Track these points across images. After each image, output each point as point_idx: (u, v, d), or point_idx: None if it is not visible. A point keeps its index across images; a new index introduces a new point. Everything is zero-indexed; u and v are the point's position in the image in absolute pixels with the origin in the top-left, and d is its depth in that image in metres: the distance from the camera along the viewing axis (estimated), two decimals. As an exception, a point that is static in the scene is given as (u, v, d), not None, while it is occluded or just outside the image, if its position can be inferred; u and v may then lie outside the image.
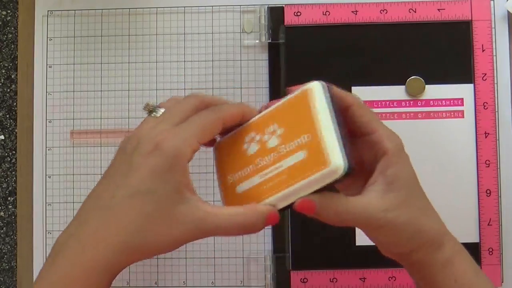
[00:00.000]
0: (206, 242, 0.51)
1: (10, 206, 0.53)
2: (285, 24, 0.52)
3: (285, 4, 0.52)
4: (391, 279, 0.50)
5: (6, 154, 0.53)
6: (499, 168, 0.51)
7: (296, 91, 0.35)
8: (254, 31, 0.52)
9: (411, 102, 0.51)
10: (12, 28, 0.54)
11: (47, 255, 0.51)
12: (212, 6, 0.52)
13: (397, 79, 0.51)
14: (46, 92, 0.52)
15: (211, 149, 0.38)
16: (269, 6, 0.52)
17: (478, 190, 0.50)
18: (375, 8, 0.51)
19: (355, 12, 0.51)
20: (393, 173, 0.35)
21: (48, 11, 0.53)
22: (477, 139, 0.50)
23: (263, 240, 0.51)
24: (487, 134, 0.50)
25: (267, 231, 0.51)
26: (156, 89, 0.52)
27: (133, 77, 0.52)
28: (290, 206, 0.34)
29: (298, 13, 0.52)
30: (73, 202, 0.52)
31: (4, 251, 0.52)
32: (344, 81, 0.51)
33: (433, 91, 0.51)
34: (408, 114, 0.51)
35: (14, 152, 0.53)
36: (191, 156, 0.33)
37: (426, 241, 0.35)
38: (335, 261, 0.50)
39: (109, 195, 0.33)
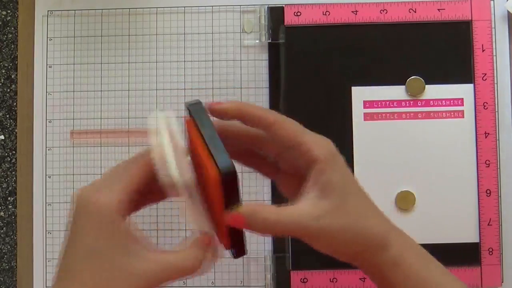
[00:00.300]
0: (206, 242, 0.51)
1: (10, 206, 0.53)
2: (285, 24, 0.52)
3: (285, 4, 0.52)
4: (391, 279, 0.50)
5: (6, 154, 0.53)
6: (499, 168, 0.51)
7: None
8: (254, 31, 0.52)
9: (411, 102, 0.51)
10: (12, 28, 0.54)
11: (47, 255, 0.51)
12: (212, 6, 0.52)
13: (397, 79, 0.51)
14: (46, 92, 0.52)
15: None
16: (269, 6, 0.52)
17: (478, 190, 0.50)
18: (375, 8, 0.51)
19: (355, 12, 0.51)
20: (325, 180, 0.34)
21: (48, 11, 0.53)
22: (477, 139, 0.50)
23: (263, 240, 0.51)
24: (487, 134, 0.50)
25: (267, 231, 0.51)
26: (156, 89, 0.52)
27: (133, 77, 0.52)
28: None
29: (298, 13, 0.52)
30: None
31: (4, 251, 0.52)
32: (344, 81, 0.51)
33: (433, 91, 0.51)
34: (408, 114, 0.51)
35: (14, 152, 0.53)
36: (123, 207, 0.32)
37: (369, 244, 0.34)
38: (335, 261, 0.50)
39: (68, 255, 0.33)
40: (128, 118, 0.52)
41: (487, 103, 0.51)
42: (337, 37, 0.52)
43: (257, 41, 0.52)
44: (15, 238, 0.52)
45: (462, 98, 0.51)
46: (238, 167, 0.33)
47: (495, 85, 0.51)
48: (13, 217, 0.52)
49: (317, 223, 0.33)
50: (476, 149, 0.50)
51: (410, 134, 0.51)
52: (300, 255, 0.50)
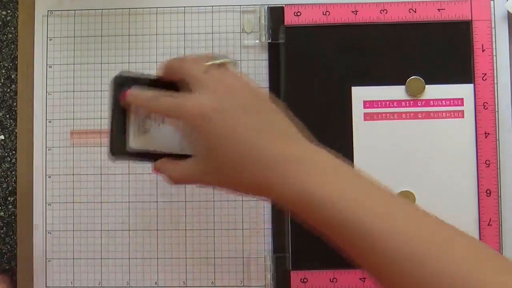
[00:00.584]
0: (206, 242, 0.51)
1: (10, 206, 0.52)
2: (285, 24, 0.52)
3: (285, 4, 0.52)
4: (391, 279, 0.50)
5: (6, 154, 0.53)
6: (499, 168, 0.51)
7: None
8: (254, 31, 0.52)
9: (411, 102, 0.51)
10: (12, 28, 0.54)
11: (47, 255, 0.52)
12: (212, 6, 0.52)
13: (397, 79, 0.51)
14: (46, 92, 0.52)
15: None
16: (269, 6, 0.52)
17: (478, 190, 0.50)
18: (375, 8, 0.51)
19: (355, 12, 0.51)
20: (194, 143, 0.38)
21: (48, 11, 0.53)
22: (477, 139, 0.50)
23: (263, 240, 0.51)
24: (487, 134, 0.50)
25: (267, 231, 0.51)
26: (156, 89, 0.52)
27: (133, 77, 0.52)
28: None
29: (298, 13, 0.52)
30: (73, 202, 0.52)
31: (4, 251, 0.52)
32: (344, 81, 0.51)
33: (433, 91, 0.51)
34: (408, 114, 0.51)
35: (14, 152, 0.53)
36: None
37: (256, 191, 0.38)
38: (335, 261, 0.50)
39: None
40: (128, 118, 0.52)
41: (487, 103, 0.51)
42: (337, 37, 0.52)
43: (257, 41, 0.52)
44: (15, 238, 0.52)
45: (462, 98, 0.51)
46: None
47: (495, 85, 0.51)
48: (13, 217, 0.52)
49: (204, 178, 0.38)
50: (476, 149, 0.50)
51: (410, 134, 0.51)
52: (300, 255, 0.50)
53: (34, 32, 0.53)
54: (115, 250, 0.52)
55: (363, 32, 0.51)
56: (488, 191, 0.50)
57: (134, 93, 0.40)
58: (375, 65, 0.51)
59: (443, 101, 0.51)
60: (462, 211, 0.50)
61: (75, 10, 0.53)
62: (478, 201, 0.50)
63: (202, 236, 0.51)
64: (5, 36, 0.54)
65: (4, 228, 0.52)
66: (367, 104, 0.51)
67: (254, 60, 0.52)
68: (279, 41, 0.52)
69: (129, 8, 0.53)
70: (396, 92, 0.51)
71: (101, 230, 0.52)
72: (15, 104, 0.53)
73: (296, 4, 0.52)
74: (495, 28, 0.51)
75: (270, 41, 0.52)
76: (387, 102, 0.51)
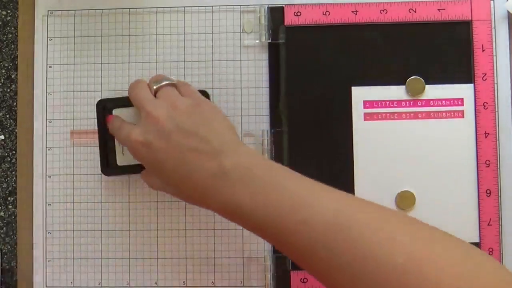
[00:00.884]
0: (206, 242, 0.51)
1: (10, 206, 0.52)
2: (285, 24, 0.52)
3: (285, 4, 0.52)
4: (391, 279, 0.50)
5: (6, 154, 0.53)
6: (499, 168, 0.51)
7: None
8: (254, 31, 0.52)
9: (411, 102, 0.51)
10: (12, 28, 0.53)
11: (47, 255, 0.52)
12: (212, 6, 0.52)
13: (397, 79, 0.51)
14: (46, 92, 0.52)
15: None
16: (269, 6, 0.52)
17: (478, 190, 0.50)
18: (375, 8, 0.51)
19: (355, 12, 0.51)
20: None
21: (48, 11, 0.53)
22: (477, 139, 0.50)
23: (263, 240, 0.51)
24: (487, 134, 0.50)
25: (267, 231, 0.51)
26: (156, 89, 0.52)
27: (133, 77, 0.52)
28: None
29: (298, 13, 0.52)
30: (73, 202, 0.52)
31: (4, 251, 0.52)
32: (344, 81, 0.51)
33: (433, 91, 0.51)
34: (408, 114, 0.51)
35: (14, 152, 0.53)
36: None
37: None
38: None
39: None
40: (128, 118, 0.52)
41: (487, 103, 0.51)
42: (337, 37, 0.52)
43: (257, 41, 0.52)
44: (15, 238, 0.52)
45: (462, 98, 0.51)
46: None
47: (495, 85, 0.51)
48: (13, 217, 0.52)
49: (166, 190, 0.44)
50: (476, 149, 0.50)
51: (410, 134, 0.51)
52: (300, 255, 0.50)
53: (34, 32, 0.53)
54: (115, 250, 0.52)
55: (363, 32, 0.51)
56: (488, 191, 0.50)
57: (110, 121, 0.47)
58: (375, 65, 0.51)
59: (443, 101, 0.51)
60: (462, 211, 0.50)
61: (75, 10, 0.53)
62: (478, 201, 0.50)
63: (202, 236, 0.51)
64: (5, 36, 0.53)
65: (4, 228, 0.52)
66: (367, 104, 0.51)
67: (254, 60, 0.52)
68: (279, 41, 0.52)
69: (129, 8, 0.53)
70: (396, 92, 0.51)
71: (101, 230, 0.52)
72: (15, 104, 0.53)
73: (296, 4, 0.52)
74: (495, 28, 0.51)
75: (270, 41, 0.52)
76: (387, 102, 0.51)
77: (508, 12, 0.51)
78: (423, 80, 0.51)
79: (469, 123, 0.51)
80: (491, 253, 0.50)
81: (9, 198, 0.53)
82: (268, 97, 0.52)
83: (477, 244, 0.50)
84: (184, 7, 0.53)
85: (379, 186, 0.50)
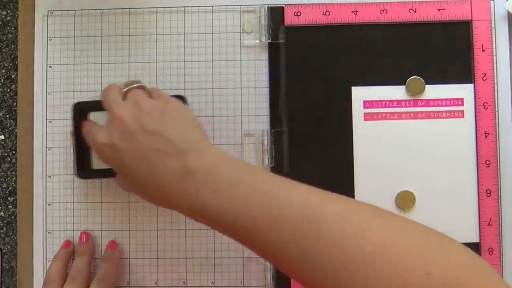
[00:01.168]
0: (206, 242, 0.51)
1: (10, 206, 0.52)
2: (285, 24, 0.52)
3: (285, 4, 0.52)
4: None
5: (6, 154, 0.53)
6: (499, 168, 0.51)
7: None
8: (254, 31, 0.52)
9: (411, 102, 0.51)
10: (12, 28, 0.53)
11: (47, 255, 0.51)
12: (212, 6, 0.52)
13: (397, 79, 0.51)
14: (46, 92, 0.52)
15: None
16: (269, 6, 0.52)
17: (478, 190, 0.50)
18: (375, 8, 0.51)
19: (355, 12, 0.51)
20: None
21: (48, 11, 0.53)
22: (477, 139, 0.50)
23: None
24: (487, 134, 0.50)
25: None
26: (156, 89, 0.52)
27: (133, 77, 0.52)
28: None
29: (298, 13, 0.52)
30: (73, 202, 0.52)
31: (4, 251, 0.52)
32: (344, 81, 0.51)
33: (433, 91, 0.51)
34: (408, 114, 0.51)
35: (14, 152, 0.53)
36: None
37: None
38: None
39: None
40: (128, 118, 0.52)
41: (487, 103, 0.51)
42: (337, 37, 0.52)
43: (257, 41, 0.52)
44: (15, 238, 0.52)
45: (462, 98, 0.51)
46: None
47: (495, 85, 0.51)
48: (13, 217, 0.52)
49: (134, 192, 0.44)
50: (476, 149, 0.50)
51: (410, 134, 0.51)
52: (300, 255, 0.50)
53: (34, 32, 0.53)
54: (115, 250, 0.52)
55: (363, 32, 0.51)
56: (488, 191, 0.50)
57: (83, 125, 0.47)
58: (375, 65, 0.51)
59: (443, 101, 0.51)
60: (462, 211, 0.50)
61: (75, 10, 0.53)
62: (478, 201, 0.50)
63: (202, 236, 0.51)
64: (5, 36, 0.53)
65: (4, 228, 0.52)
66: (367, 104, 0.51)
67: (254, 60, 0.52)
68: (279, 41, 0.52)
69: (129, 8, 0.53)
70: (396, 92, 0.51)
71: (101, 230, 0.52)
72: (15, 104, 0.53)
73: (296, 4, 0.52)
74: (495, 28, 0.51)
75: (270, 41, 0.52)
76: (387, 102, 0.51)
77: (508, 12, 0.51)
78: (423, 80, 0.51)
79: (469, 123, 0.51)
80: (491, 253, 0.50)
81: (9, 198, 0.53)
82: (268, 97, 0.52)
83: (477, 244, 0.50)
84: (184, 7, 0.53)
85: (379, 186, 0.50)
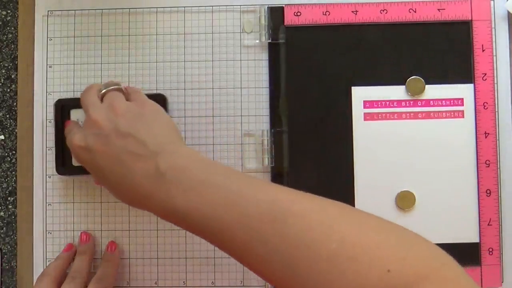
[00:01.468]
0: (206, 242, 0.51)
1: (10, 206, 0.52)
2: (285, 24, 0.52)
3: (285, 4, 0.52)
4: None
5: (6, 154, 0.53)
6: (499, 168, 0.51)
7: None
8: (254, 31, 0.52)
9: (411, 102, 0.51)
10: (12, 28, 0.53)
11: (47, 255, 0.52)
12: (212, 6, 0.52)
13: (397, 79, 0.51)
14: (46, 92, 0.52)
15: None
16: (269, 6, 0.52)
17: (478, 190, 0.50)
18: (375, 8, 0.51)
19: (355, 12, 0.51)
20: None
21: (48, 11, 0.53)
22: (477, 139, 0.50)
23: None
24: (487, 134, 0.50)
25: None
26: (156, 89, 0.52)
27: (133, 77, 0.52)
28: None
29: (298, 13, 0.52)
30: (73, 202, 0.52)
31: (4, 251, 0.52)
32: (344, 81, 0.51)
33: (433, 91, 0.51)
34: (408, 114, 0.51)
35: (14, 152, 0.53)
36: None
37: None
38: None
39: None
40: (128, 118, 0.52)
41: (487, 103, 0.51)
42: (337, 37, 0.52)
43: (257, 41, 0.52)
44: (15, 238, 0.52)
45: (462, 98, 0.51)
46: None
47: (495, 85, 0.51)
48: (13, 217, 0.52)
49: (111, 192, 0.43)
50: (476, 149, 0.50)
51: (410, 134, 0.51)
52: (300, 255, 0.50)
53: (34, 32, 0.53)
54: (115, 250, 0.52)
55: (363, 32, 0.51)
56: (488, 191, 0.50)
57: (66, 125, 0.48)
58: (375, 65, 0.51)
59: (443, 101, 0.51)
60: (462, 211, 0.50)
61: (75, 10, 0.53)
62: (478, 201, 0.50)
63: (202, 236, 0.51)
64: (5, 36, 0.53)
65: (4, 228, 0.52)
66: (367, 104, 0.51)
67: (254, 60, 0.52)
68: (279, 41, 0.52)
69: (129, 8, 0.53)
70: (396, 92, 0.51)
71: (101, 230, 0.52)
72: (15, 104, 0.53)
73: (296, 4, 0.52)
74: (495, 28, 0.51)
75: (270, 41, 0.52)
76: (387, 102, 0.51)
77: (508, 12, 0.51)
78: (423, 80, 0.51)
79: (469, 123, 0.51)
80: (491, 253, 0.50)
81: (9, 198, 0.53)
82: (268, 97, 0.52)
83: (477, 244, 0.50)
84: (184, 7, 0.53)
85: (379, 186, 0.50)
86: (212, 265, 0.51)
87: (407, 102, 0.51)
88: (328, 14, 0.51)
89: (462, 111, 0.51)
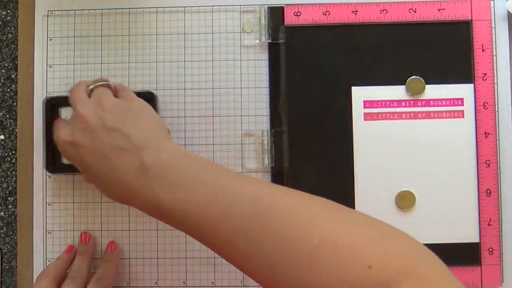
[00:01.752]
0: (206, 242, 0.51)
1: (10, 206, 0.52)
2: (285, 24, 0.52)
3: (285, 4, 0.52)
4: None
5: (6, 154, 0.53)
6: (499, 168, 0.51)
7: None
8: (254, 31, 0.52)
9: (411, 102, 0.51)
10: (12, 28, 0.53)
11: (47, 255, 0.51)
12: (212, 6, 0.52)
13: (397, 79, 0.51)
14: (46, 91, 0.52)
15: None
16: (269, 6, 0.52)
17: (478, 190, 0.50)
18: (375, 8, 0.51)
19: (355, 12, 0.51)
20: None
21: (48, 11, 0.53)
22: (477, 139, 0.50)
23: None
24: (487, 134, 0.50)
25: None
26: (156, 89, 0.52)
27: (133, 77, 0.52)
28: None
29: (298, 13, 0.52)
30: (73, 202, 0.52)
31: (4, 251, 0.52)
32: (344, 81, 0.51)
33: (433, 91, 0.51)
34: (408, 114, 0.51)
35: (14, 152, 0.53)
36: None
37: None
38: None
39: None
40: (128, 118, 0.52)
41: (487, 103, 0.51)
42: (337, 37, 0.52)
43: (257, 41, 0.52)
44: (15, 238, 0.52)
45: (462, 98, 0.51)
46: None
47: (495, 85, 0.51)
48: (13, 217, 0.52)
49: (98, 188, 0.42)
50: (476, 149, 0.50)
51: (410, 134, 0.51)
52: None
53: (34, 32, 0.53)
54: (115, 250, 0.52)
55: (363, 32, 0.51)
56: (488, 191, 0.50)
57: (54, 123, 0.47)
58: (375, 65, 0.51)
59: (443, 101, 0.51)
60: (462, 211, 0.50)
61: (75, 10, 0.53)
62: (478, 201, 0.50)
63: (202, 236, 0.51)
64: (5, 36, 0.53)
65: (4, 228, 0.52)
66: (367, 104, 0.51)
67: (254, 60, 0.52)
68: (279, 41, 0.52)
69: (129, 8, 0.53)
70: (396, 92, 0.51)
71: (101, 230, 0.52)
72: (15, 104, 0.53)
73: (296, 4, 0.52)
74: (495, 28, 0.51)
75: (270, 41, 0.52)
76: (387, 102, 0.51)
77: (508, 12, 0.51)
78: (423, 80, 0.51)
79: (469, 123, 0.51)
80: (491, 253, 0.50)
81: (9, 198, 0.53)
82: (268, 97, 0.52)
83: (477, 244, 0.50)
84: (184, 7, 0.53)
85: (379, 186, 0.50)
86: (212, 265, 0.51)
87: (407, 102, 0.51)
88: (328, 14, 0.51)
89: (462, 111, 0.51)
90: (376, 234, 0.34)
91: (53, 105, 0.50)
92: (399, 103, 0.51)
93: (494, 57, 0.51)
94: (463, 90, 0.51)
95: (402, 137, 0.51)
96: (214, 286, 0.51)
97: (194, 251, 0.51)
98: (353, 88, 0.51)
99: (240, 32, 0.52)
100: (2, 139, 0.53)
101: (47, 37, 0.53)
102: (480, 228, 0.50)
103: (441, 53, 0.51)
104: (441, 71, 0.51)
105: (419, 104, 0.51)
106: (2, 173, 0.53)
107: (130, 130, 0.40)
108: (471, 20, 0.51)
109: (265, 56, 0.52)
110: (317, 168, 0.51)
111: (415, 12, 0.51)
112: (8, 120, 0.53)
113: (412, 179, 0.51)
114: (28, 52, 0.53)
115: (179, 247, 0.51)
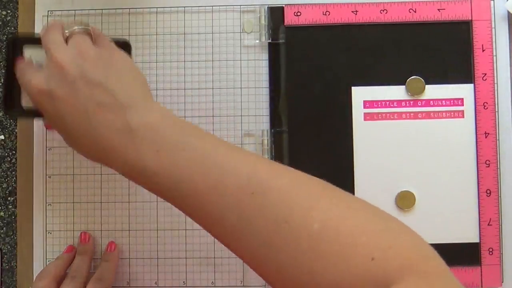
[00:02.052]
0: (206, 242, 0.51)
1: (10, 206, 0.52)
2: (285, 24, 0.52)
3: (285, 4, 0.52)
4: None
5: (6, 154, 0.53)
6: (499, 168, 0.51)
7: None
8: (254, 31, 0.52)
9: (411, 102, 0.51)
10: (12, 28, 0.53)
11: (47, 255, 0.52)
12: (212, 6, 0.52)
13: (397, 79, 0.51)
14: (46, 92, 0.52)
15: None
16: (269, 6, 0.52)
17: (478, 190, 0.50)
18: (375, 8, 0.51)
19: (355, 12, 0.51)
20: None
21: (48, 11, 0.53)
22: (477, 139, 0.50)
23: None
24: (487, 134, 0.50)
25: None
26: (156, 89, 0.52)
27: (133, 77, 0.52)
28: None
29: (298, 13, 0.52)
30: (73, 202, 0.52)
31: (4, 251, 0.52)
32: (344, 81, 0.51)
33: (433, 91, 0.51)
34: (408, 114, 0.51)
35: (14, 152, 0.53)
36: None
37: None
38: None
39: None
40: (128, 118, 0.52)
41: (487, 103, 0.51)
42: (337, 37, 0.52)
43: (257, 41, 0.52)
44: (15, 238, 0.52)
45: (462, 98, 0.51)
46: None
47: (495, 85, 0.51)
48: (13, 217, 0.52)
49: (67, 142, 0.40)
50: (476, 149, 0.50)
51: (410, 134, 0.51)
52: (300, 255, 0.50)
53: (34, 32, 0.53)
54: (115, 250, 0.52)
55: (363, 32, 0.51)
56: (488, 191, 0.50)
57: (17, 63, 0.42)
58: (375, 65, 0.51)
59: (443, 101, 0.51)
60: (462, 211, 0.50)
61: (75, 10, 0.53)
62: (478, 201, 0.50)
63: (202, 236, 0.51)
64: (5, 36, 0.53)
65: (4, 228, 0.52)
66: (367, 104, 0.51)
67: (254, 60, 0.52)
68: (279, 41, 0.52)
69: (129, 8, 0.53)
70: (396, 92, 0.51)
71: (101, 230, 0.52)
72: (15, 104, 0.53)
73: (296, 4, 0.52)
74: (495, 28, 0.51)
75: (270, 41, 0.52)
76: (387, 102, 0.51)
77: (508, 12, 0.51)
78: (423, 80, 0.51)
79: (469, 123, 0.51)
80: (491, 253, 0.50)
81: (9, 198, 0.53)
82: (268, 97, 0.52)
83: (477, 244, 0.50)
84: (184, 7, 0.53)
85: (379, 186, 0.50)
86: (212, 265, 0.51)
87: (407, 102, 0.51)
88: (328, 14, 0.51)
89: (462, 111, 0.51)
90: (380, 224, 0.32)
91: (15, 42, 0.44)
92: (399, 103, 0.51)
93: (494, 57, 0.51)
94: (463, 90, 0.51)
95: (402, 137, 0.51)
96: (214, 286, 0.51)
97: (194, 251, 0.51)
98: (353, 88, 0.51)
99: (240, 32, 0.52)
100: (2, 139, 0.53)
101: (47, 37, 0.53)
102: (480, 228, 0.50)
103: (441, 53, 0.51)
104: (441, 71, 0.51)
105: (419, 104, 0.51)
106: (2, 173, 0.53)
107: (114, 86, 0.37)
108: (471, 20, 0.51)
109: (265, 56, 0.52)
110: (317, 168, 0.50)
111: (415, 12, 0.51)
112: (8, 120, 0.53)
113: (412, 179, 0.51)
114: (28, 52, 0.53)
115: (179, 247, 0.51)
